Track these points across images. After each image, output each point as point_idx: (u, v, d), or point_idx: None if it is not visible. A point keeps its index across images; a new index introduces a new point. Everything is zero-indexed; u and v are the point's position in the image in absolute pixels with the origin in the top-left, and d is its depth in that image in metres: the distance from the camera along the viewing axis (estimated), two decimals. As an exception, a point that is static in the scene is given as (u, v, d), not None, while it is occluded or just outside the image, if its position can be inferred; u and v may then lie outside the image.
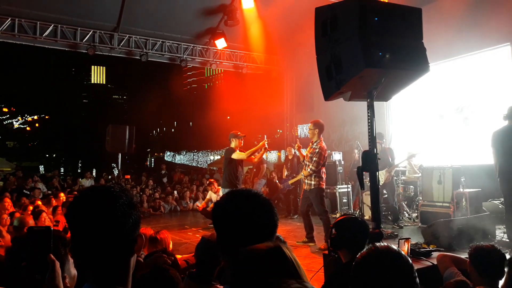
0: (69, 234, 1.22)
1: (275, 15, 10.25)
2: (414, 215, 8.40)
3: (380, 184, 7.75)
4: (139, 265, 2.32)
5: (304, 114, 14.01)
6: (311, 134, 6.70)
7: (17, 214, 6.25)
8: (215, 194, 9.33)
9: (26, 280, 1.24)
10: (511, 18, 7.88)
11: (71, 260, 1.60)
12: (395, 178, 8.51)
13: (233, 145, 6.92)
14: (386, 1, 3.43)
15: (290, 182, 8.98)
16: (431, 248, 4.13)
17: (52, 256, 1.24)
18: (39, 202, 7.18)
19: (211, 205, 8.84)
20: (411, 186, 8.78)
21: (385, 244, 1.44)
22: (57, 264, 1.25)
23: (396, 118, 10.92)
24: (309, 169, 6.46)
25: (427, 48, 3.39)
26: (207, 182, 9.56)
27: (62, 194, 8.81)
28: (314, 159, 6.45)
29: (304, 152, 6.84)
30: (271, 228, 1.36)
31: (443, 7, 8.96)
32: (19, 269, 1.25)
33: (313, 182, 6.49)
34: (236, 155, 6.78)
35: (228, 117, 33.51)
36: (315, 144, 6.58)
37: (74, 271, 1.61)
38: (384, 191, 8.11)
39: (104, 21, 10.73)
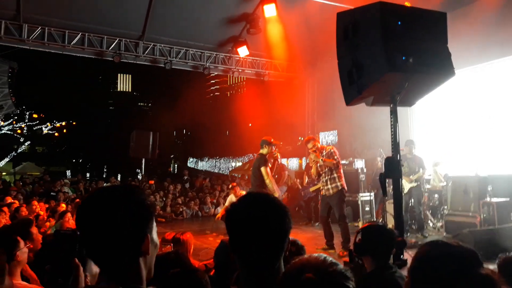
0: None
1: (297, 23, 10.26)
2: (439, 224, 8.18)
3: (405, 192, 7.59)
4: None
5: (326, 121, 13.91)
6: (312, 154, 6.70)
7: (42, 217, 6.43)
8: (236, 197, 9.30)
9: (49, 283, 1.25)
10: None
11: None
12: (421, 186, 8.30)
13: (264, 151, 6.82)
14: (409, 5, 3.38)
15: (311, 189, 8.90)
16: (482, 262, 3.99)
17: (77, 261, 1.25)
18: (63, 205, 7.34)
19: None
20: (436, 195, 8.57)
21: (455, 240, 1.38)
22: (81, 269, 1.26)
23: (420, 125, 10.70)
24: (332, 162, 6.46)
25: (455, 53, 3.32)
26: (230, 186, 9.43)
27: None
28: (333, 157, 6.50)
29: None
30: (283, 234, 1.35)
31: (471, 12, 8.77)
32: (43, 272, 1.26)
33: (332, 186, 6.45)
34: (263, 171, 6.64)
35: (250, 125, 33.57)
36: (324, 151, 6.67)
37: (96, 269, 1.62)
38: (411, 200, 7.91)
39: (130, 30, 10.98)
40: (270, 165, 6.74)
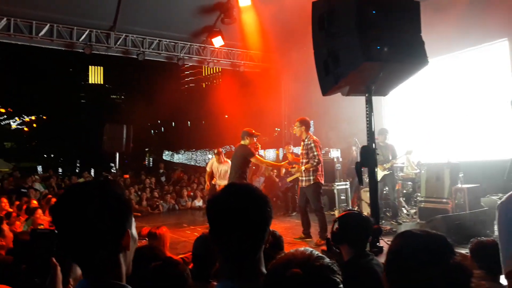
0: None
1: (272, 13, 10.21)
2: (413, 211, 8.38)
3: (378, 180, 7.72)
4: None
5: (302, 112, 13.95)
6: (298, 132, 6.68)
7: (14, 214, 6.23)
8: (219, 164, 8.93)
9: (26, 283, 1.21)
10: (508, 13, 7.86)
11: None
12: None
13: (246, 143, 6.89)
14: (384, -6, 3.40)
15: (288, 179, 8.96)
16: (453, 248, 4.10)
17: (54, 260, 1.21)
18: (35, 201, 7.13)
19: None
20: (409, 183, 8.77)
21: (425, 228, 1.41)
22: (59, 268, 1.23)
23: (392, 114, 10.90)
24: (311, 163, 6.42)
25: (426, 42, 3.36)
26: (215, 151, 9.09)
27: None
28: (312, 153, 6.43)
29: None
30: (263, 224, 1.34)
31: (442, 2, 8.94)
32: (19, 272, 1.22)
33: (311, 177, 6.47)
34: (255, 160, 6.83)
35: (226, 116, 33.45)
36: (306, 140, 6.56)
37: (79, 271, 1.60)
38: (386, 187, 8.05)
39: (101, 20, 10.66)
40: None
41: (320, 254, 1.04)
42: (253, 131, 6.97)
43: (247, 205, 1.32)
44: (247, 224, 1.30)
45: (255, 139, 7.00)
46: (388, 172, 7.89)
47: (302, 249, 1.06)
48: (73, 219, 1.11)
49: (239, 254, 1.30)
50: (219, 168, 8.70)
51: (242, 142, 6.91)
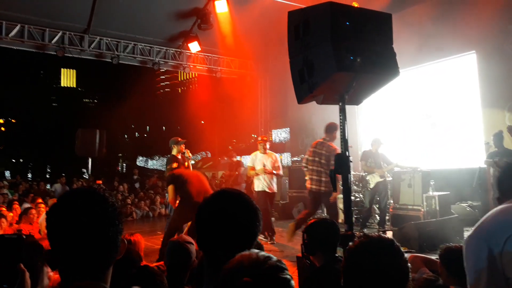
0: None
1: (249, 20, 10.27)
2: (386, 218, 8.51)
3: (371, 186, 7.80)
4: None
5: (278, 119, 14.07)
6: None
7: (-21, 221, 5.98)
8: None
9: None
10: (476, 27, 8.17)
11: (45, 270, 1.53)
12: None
13: (174, 152, 6.76)
14: (357, 6, 3.47)
15: None
16: (402, 250, 4.18)
17: (22, 266, 1.18)
18: (3, 208, 6.88)
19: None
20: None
21: (376, 233, 1.53)
22: (27, 274, 1.20)
23: (365, 124, 11.12)
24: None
25: (397, 54, 3.45)
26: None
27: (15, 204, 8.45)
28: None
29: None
30: (252, 233, 1.34)
31: (412, 15, 9.21)
32: None
33: None
34: (168, 168, 6.60)
35: (202, 122, 33.28)
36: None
37: (47, 281, 1.56)
38: (377, 196, 7.95)
39: (74, 22, 10.46)
40: (176, 164, 6.60)
41: (266, 254, 1.02)
42: (179, 139, 6.85)
43: (236, 212, 1.32)
44: (235, 232, 1.30)
45: (183, 146, 6.85)
46: (382, 179, 7.84)
47: (247, 253, 1.04)
48: (70, 226, 1.09)
49: (225, 261, 1.30)
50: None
51: (172, 152, 6.81)
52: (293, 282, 1.00)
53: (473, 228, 1.70)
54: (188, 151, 7.04)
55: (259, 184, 7.36)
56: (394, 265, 1.38)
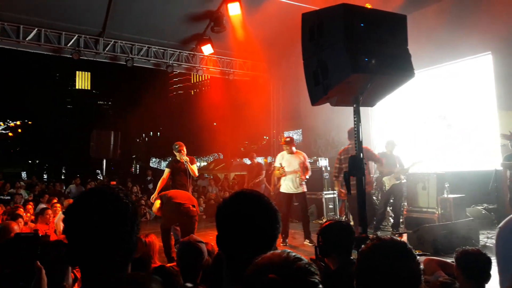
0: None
1: (262, 22, 10.30)
2: (400, 220, 8.43)
3: (386, 189, 7.75)
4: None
5: (291, 121, 14.05)
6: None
7: (-2, 221, 6.11)
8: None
9: (9, 287, 1.20)
10: (492, 27, 8.06)
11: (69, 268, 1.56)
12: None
13: (177, 157, 6.93)
14: (370, 7, 3.46)
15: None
16: (417, 253, 4.15)
17: (38, 263, 1.21)
18: (21, 208, 7.01)
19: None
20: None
21: (388, 236, 1.53)
22: (43, 271, 1.22)
23: (379, 125, 11.02)
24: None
25: (412, 55, 3.43)
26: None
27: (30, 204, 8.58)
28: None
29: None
30: (272, 235, 1.35)
31: (427, 15, 9.13)
32: (1, 276, 1.21)
33: None
34: (164, 173, 6.95)
35: (215, 124, 33.40)
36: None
37: (70, 280, 1.59)
38: (392, 198, 7.88)
39: (89, 26, 10.62)
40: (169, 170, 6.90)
41: (297, 256, 1.01)
42: (179, 144, 6.95)
43: (254, 214, 1.33)
44: (254, 232, 1.31)
45: (183, 151, 6.91)
46: (397, 182, 7.75)
47: (279, 251, 1.03)
48: (82, 224, 1.11)
49: (244, 262, 1.29)
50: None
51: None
52: (321, 287, 0.98)
53: (504, 220, 1.74)
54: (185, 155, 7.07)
55: (284, 185, 7.29)
56: (406, 268, 1.39)
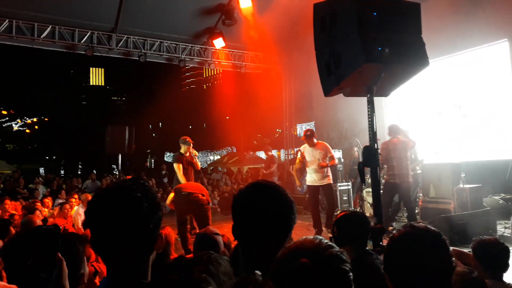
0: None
1: (273, 14, 10.24)
2: (415, 211, 8.37)
3: None
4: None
5: (303, 113, 14.00)
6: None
7: (16, 217, 6.26)
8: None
9: (31, 278, 1.23)
10: (508, 14, 7.88)
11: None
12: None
13: (182, 150, 7.16)
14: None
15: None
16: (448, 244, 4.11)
17: (59, 255, 1.24)
18: (38, 203, 7.16)
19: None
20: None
21: (423, 224, 1.44)
22: (64, 263, 1.25)
23: (394, 115, 10.90)
24: None
25: (426, 44, 3.38)
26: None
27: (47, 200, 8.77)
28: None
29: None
30: (287, 225, 1.35)
31: (442, 3, 8.96)
32: (23, 268, 1.24)
33: None
34: (175, 167, 7.06)
35: (227, 117, 33.46)
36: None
37: (87, 269, 1.62)
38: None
39: (102, 22, 10.71)
40: (182, 163, 7.02)
41: (329, 243, 1.01)
42: (187, 139, 7.18)
43: (268, 204, 1.34)
44: (267, 222, 1.31)
45: (190, 146, 7.14)
46: (412, 173, 7.60)
47: (311, 237, 1.03)
48: (101, 218, 1.13)
49: (259, 252, 1.30)
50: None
51: (181, 150, 7.20)
52: (351, 275, 0.98)
53: None
54: (194, 150, 7.34)
55: (309, 178, 7.25)
56: (438, 258, 1.32)
